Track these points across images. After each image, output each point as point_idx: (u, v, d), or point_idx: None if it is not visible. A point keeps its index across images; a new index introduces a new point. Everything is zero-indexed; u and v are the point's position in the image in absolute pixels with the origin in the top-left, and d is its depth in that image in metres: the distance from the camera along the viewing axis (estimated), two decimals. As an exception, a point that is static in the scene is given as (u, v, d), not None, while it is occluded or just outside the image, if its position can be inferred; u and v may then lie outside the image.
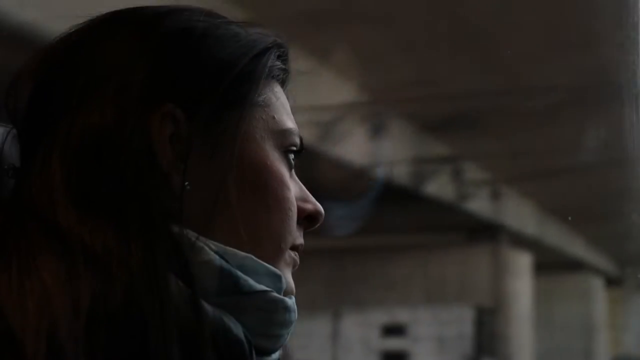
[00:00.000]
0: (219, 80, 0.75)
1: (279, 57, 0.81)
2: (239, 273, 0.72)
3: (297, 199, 0.79)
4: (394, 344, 11.49)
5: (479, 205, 10.04)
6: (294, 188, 0.79)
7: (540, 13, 5.79)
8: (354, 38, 5.72)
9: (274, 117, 0.79)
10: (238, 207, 0.75)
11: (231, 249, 0.73)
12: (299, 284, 0.79)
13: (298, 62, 0.84)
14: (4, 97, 0.79)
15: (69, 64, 0.76)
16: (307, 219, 0.81)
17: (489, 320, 11.73)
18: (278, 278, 0.75)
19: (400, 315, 11.45)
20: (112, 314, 0.66)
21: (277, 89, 0.81)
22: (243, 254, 0.73)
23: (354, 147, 7.15)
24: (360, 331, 11.31)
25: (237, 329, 0.70)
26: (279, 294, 0.75)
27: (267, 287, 0.74)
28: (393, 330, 11.31)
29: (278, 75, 0.81)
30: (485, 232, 11.72)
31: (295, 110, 0.82)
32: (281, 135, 0.79)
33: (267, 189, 0.76)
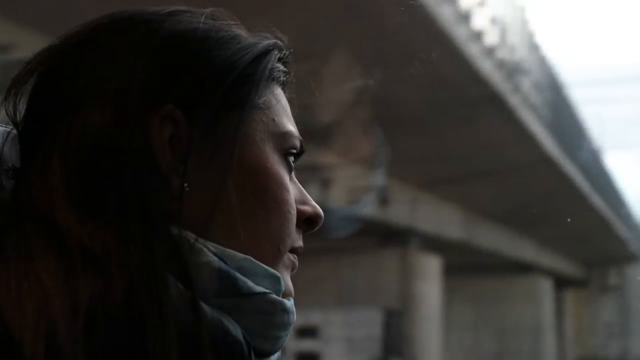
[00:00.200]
0: (219, 82, 0.75)
1: (279, 59, 0.81)
2: (238, 275, 0.72)
3: (297, 202, 0.79)
4: (307, 345, 11.56)
5: (393, 210, 10.17)
6: (294, 191, 0.79)
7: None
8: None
9: (274, 120, 0.79)
10: (237, 209, 0.75)
11: (230, 250, 0.73)
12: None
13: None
14: (4, 98, 0.78)
15: (69, 65, 0.76)
16: (306, 222, 0.81)
17: (397, 322, 11.91)
18: (277, 280, 0.75)
19: (313, 317, 11.53)
20: (111, 315, 0.66)
21: (278, 91, 0.81)
22: (242, 255, 0.74)
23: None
24: (274, 333, 11.30)
25: (236, 331, 0.71)
26: (278, 296, 0.75)
27: (266, 289, 0.74)
28: (306, 332, 11.38)
29: (279, 78, 0.81)
30: (396, 236, 11.89)
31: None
32: (281, 138, 0.79)
33: (266, 192, 0.76)
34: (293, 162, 0.80)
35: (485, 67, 9.46)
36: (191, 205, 0.73)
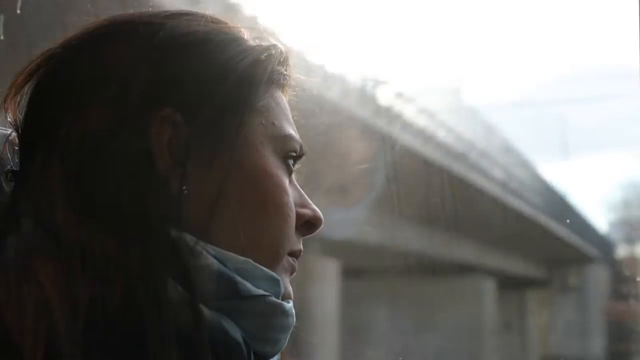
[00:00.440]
0: (218, 85, 0.75)
1: (279, 62, 0.81)
2: (238, 277, 0.72)
3: (296, 205, 0.79)
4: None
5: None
6: (293, 194, 0.79)
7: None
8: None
9: (273, 123, 0.78)
10: (237, 212, 0.75)
11: (230, 253, 0.73)
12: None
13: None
14: (4, 101, 0.78)
15: (68, 68, 0.76)
16: (305, 225, 0.81)
17: (294, 325, 11.90)
18: (276, 283, 0.75)
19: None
20: (110, 318, 0.66)
21: (278, 94, 0.81)
22: (242, 258, 0.73)
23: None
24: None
25: (236, 333, 0.71)
26: (277, 298, 0.75)
27: (266, 291, 0.74)
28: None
29: (278, 81, 0.81)
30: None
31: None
32: (281, 141, 0.79)
33: (265, 195, 0.76)
34: (293, 165, 0.80)
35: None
36: (191, 208, 0.73)
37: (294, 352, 0.81)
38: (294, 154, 0.80)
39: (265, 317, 0.74)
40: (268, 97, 0.79)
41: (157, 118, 0.73)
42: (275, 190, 0.77)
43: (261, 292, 0.73)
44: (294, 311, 0.77)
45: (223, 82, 0.76)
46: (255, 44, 0.80)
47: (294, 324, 0.77)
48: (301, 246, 0.81)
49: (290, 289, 0.79)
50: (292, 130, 0.80)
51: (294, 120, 0.82)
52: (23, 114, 0.77)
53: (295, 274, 0.80)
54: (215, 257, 0.72)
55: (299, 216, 0.79)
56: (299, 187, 0.81)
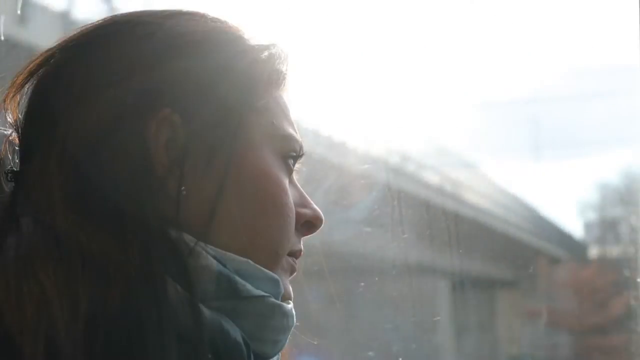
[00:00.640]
0: (217, 85, 0.75)
1: (280, 62, 0.80)
2: (237, 278, 0.72)
3: (296, 205, 0.79)
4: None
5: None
6: (293, 194, 0.79)
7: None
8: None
9: (273, 123, 0.78)
10: (236, 212, 0.74)
11: (229, 253, 0.73)
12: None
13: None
14: (4, 101, 0.77)
15: (67, 69, 0.75)
16: (305, 225, 0.80)
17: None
18: (276, 283, 0.75)
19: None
20: (110, 318, 0.66)
21: (278, 94, 0.80)
22: (241, 259, 0.73)
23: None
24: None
25: (235, 333, 0.70)
26: (277, 299, 0.75)
27: (265, 292, 0.73)
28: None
29: (278, 81, 0.80)
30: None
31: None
32: (280, 141, 0.78)
33: (265, 195, 0.76)
34: (293, 165, 0.79)
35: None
36: (190, 209, 0.73)
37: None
38: (294, 154, 0.79)
39: (264, 318, 0.73)
40: (268, 96, 0.78)
41: (155, 119, 0.73)
42: (275, 190, 0.76)
43: (261, 293, 0.73)
44: (294, 312, 0.77)
45: (222, 82, 0.75)
46: (255, 43, 0.79)
47: (294, 324, 0.77)
48: (301, 246, 0.80)
49: (290, 289, 0.79)
50: (292, 130, 0.80)
51: None
52: (23, 113, 0.77)
53: (295, 274, 0.80)
54: (215, 257, 0.72)
55: (298, 216, 0.79)
56: (299, 186, 0.81)
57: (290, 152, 0.79)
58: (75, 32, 0.78)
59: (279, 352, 0.76)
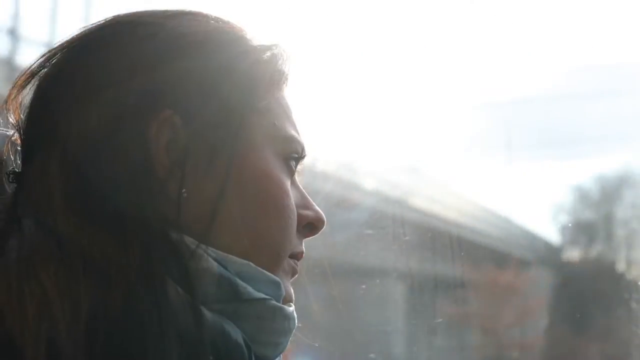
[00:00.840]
0: (218, 86, 0.74)
1: (282, 62, 0.79)
2: (238, 280, 0.72)
3: (298, 207, 0.78)
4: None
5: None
6: (295, 195, 0.78)
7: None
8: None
9: (274, 124, 0.77)
10: (237, 214, 0.74)
11: (231, 256, 0.73)
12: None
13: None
14: (6, 102, 0.77)
15: (68, 70, 0.75)
16: (307, 227, 0.80)
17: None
18: (277, 286, 0.75)
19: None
20: (111, 320, 0.66)
21: (280, 95, 0.79)
22: (243, 261, 0.73)
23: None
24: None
25: (237, 334, 0.70)
26: (278, 301, 0.75)
27: (267, 294, 0.73)
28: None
29: (280, 81, 0.79)
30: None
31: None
32: (282, 142, 0.77)
33: (266, 197, 0.75)
34: (295, 166, 0.79)
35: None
36: (191, 210, 0.72)
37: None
38: (296, 155, 0.79)
39: (265, 321, 0.73)
40: (270, 97, 0.78)
41: (156, 120, 0.73)
42: (276, 192, 0.76)
43: (262, 295, 0.73)
44: (295, 314, 0.77)
45: (223, 83, 0.75)
46: (257, 44, 0.78)
47: (295, 326, 0.77)
48: (303, 248, 0.80)
49: (291, 291, 0.79)
50: (293, 132, 0.79)
51: None
52: (25, 114, 0.77)
53: (296, 276, 0.80)
54: (216, 259, 0.72)
55: (300, 218, 0.79)
56: (301, 188, 0.81)
57: (292, 154, 0.79)
58: (76, 33, 0.77)
59: (280, 354, 0.76)
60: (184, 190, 0.72)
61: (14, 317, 0.65)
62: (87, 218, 0.69)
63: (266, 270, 0.75)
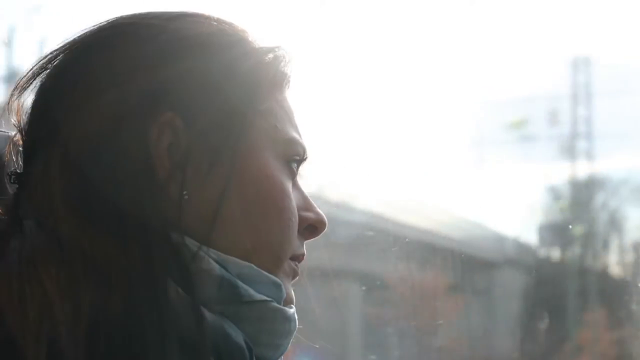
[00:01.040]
0: (220, 88, 0.74)
1: (284, 64, 0.79)
2: (239, 282, 0.72)
3: (299, 209, 0.78)
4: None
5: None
6: (297, 197, 0.78)
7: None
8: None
9: (276, 126, 0.77)
10: (238, 216, 0.74)
11: (232, 258, 0.73)
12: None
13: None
14: (8, 103, 0.77)
15: (70, 71, 0.75)
16: (308, 229, 0.80)
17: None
18: (278, 287, 0.75)
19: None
20: (111, 321, 0.66)
21: (281, 97, 0.79)
22: (244, 263, 0.73)
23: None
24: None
25: (238, 336, 0.70)
26: (279, 303, 0.75)
27: (268, 296, 0.73)
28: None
29: (282, 83, 0.79)
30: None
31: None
32: (284, 145, 0.77)
33: (267, 199, 0.75)
34: (297, 169, 0.79)
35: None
36: (192, 212, 0.73)
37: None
38: (298, 158, 0.79)
39: (266, 323, 0.73)
40: (271, 99, 0.78)
41: (157, 123, 0.73)
42: (277, 194, 0.76)
43: (263, 297, 0.73)
44: (296, 316, 0.77)
45: (225, 85, 0.74)
46: (259, 46, 0.78)
47: (296, 328, 0.77)
48: (304, 250, 0.80)
49: (292, 293, 0.79)
50: (295, 134, 0.79)
51: None
52: (27, 115, 0.77)
53: (297, 278, 0.80)
54: (217, 261, 0.72)
55: (301, 220, 0.79)
56: (303, 190, 0.81)
57: (293, 156, 0.79)
58: (78, 34, 0.77)
59: (280, 356, 0.76)
60: (185, 192, 0.73)
61: (15, 318, 0.65)
62: (88, 220, 0.69)
63: (267, 272, 0.75)
